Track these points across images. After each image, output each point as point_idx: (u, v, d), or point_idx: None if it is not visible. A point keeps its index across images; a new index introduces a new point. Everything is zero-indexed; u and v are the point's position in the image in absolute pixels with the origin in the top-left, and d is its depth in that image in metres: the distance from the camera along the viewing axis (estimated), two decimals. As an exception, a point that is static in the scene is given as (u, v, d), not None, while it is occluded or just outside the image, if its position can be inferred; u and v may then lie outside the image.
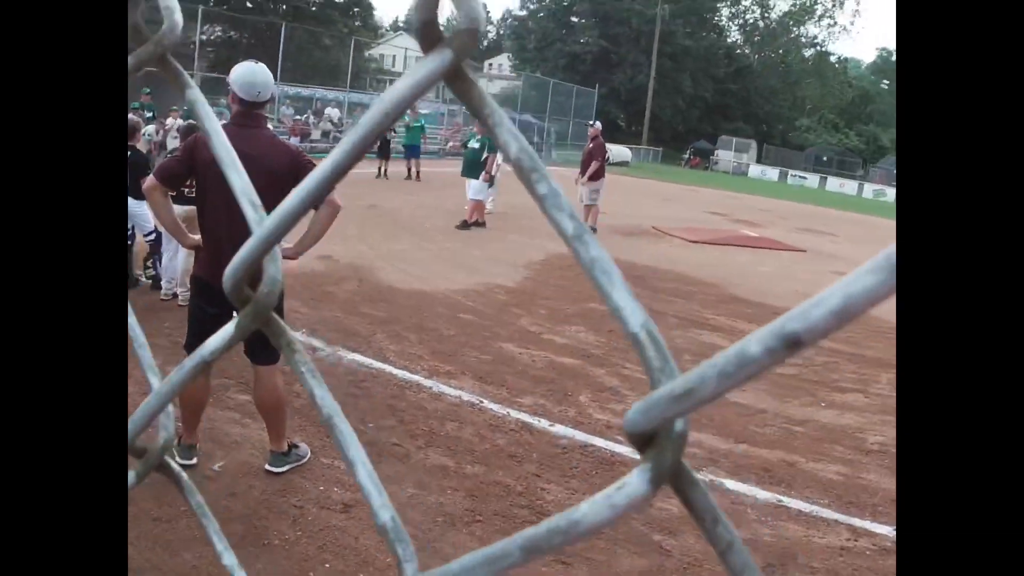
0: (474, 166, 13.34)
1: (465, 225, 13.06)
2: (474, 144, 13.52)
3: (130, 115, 9.24)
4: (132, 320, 0.61)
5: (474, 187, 13.27)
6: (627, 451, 4.80)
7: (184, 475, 0.65)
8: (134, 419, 0.56)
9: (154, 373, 0.63)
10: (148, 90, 18.46)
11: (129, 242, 7.11)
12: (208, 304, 3.81)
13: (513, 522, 3.85)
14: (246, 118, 3.79)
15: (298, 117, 25.16)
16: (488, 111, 0.40)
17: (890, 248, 0.25)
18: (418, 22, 0.39)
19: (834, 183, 49.99)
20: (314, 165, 3.84)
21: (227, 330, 0.53)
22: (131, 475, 0.60)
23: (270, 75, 3.84)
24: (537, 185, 0.39)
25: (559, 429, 5.04)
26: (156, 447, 0.61)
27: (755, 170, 51.96)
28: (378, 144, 20.27)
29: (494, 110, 0.40)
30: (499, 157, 15.19)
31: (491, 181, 14.51)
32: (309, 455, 4.26)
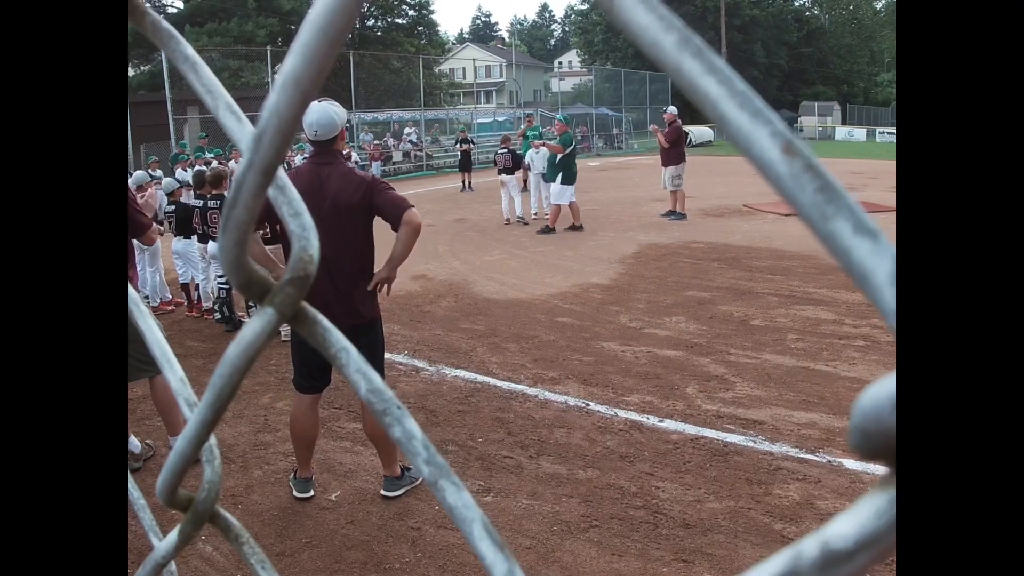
0: (550, 167, 12.57)
1: (548, 229, 12.56)
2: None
3: (215, 164, 9.54)
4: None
5: (554, 191, 12.51)
6: (741, 440, 4.70)
7: (237, 524, 0.58)
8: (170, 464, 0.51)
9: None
10: (204, 135, 19.10)
11: (228, 285, 7.34)
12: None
13: (630, 524, 3.81)
14: (318, 155, 3.88)
15: (377, 142, 25.60)
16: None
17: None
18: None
19: (926, 135, 48.04)
20: (386, 185, 3.90)
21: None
22: (174, 535, 0.56)
23: (330, 113, 3.79)
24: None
25: (669, 424, 4.97)
26: (202, 497, 0.55)
27: (841, 132, 50.32)
28: (459, 158, 20.66)
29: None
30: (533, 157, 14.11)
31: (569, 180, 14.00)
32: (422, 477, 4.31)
